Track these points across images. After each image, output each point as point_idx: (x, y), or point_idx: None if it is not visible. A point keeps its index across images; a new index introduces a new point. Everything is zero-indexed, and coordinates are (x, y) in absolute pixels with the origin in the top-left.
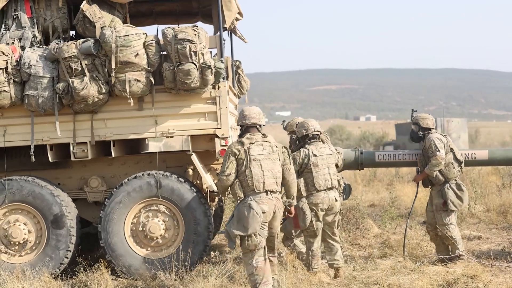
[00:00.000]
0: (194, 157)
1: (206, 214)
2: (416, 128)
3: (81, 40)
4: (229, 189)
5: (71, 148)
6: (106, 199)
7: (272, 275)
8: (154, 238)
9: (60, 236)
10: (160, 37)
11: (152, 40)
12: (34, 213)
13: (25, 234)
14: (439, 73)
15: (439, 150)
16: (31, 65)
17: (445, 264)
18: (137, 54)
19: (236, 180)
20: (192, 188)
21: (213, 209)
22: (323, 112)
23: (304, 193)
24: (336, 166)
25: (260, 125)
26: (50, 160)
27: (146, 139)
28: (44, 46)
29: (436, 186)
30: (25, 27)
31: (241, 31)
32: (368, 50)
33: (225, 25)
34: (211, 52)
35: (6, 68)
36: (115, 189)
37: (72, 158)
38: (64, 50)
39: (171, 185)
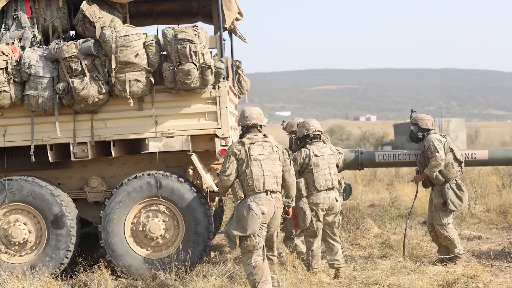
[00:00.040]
0: (194, 157)
1: (206, 214)
2: (415, 129)
3: (81, 40)
4: (229, 189)
5: (71, 148)
6: (106, 199)
7: (272, 274)
8: (154, 238)
9: (60, 236)
10: (160, 37)
11: (152, 40)
12: (34, 213)
13: (25, 234)
14: (439, 73)
15: (438, 151)
16: (31, 65)
17: (445, 264)
18: (137, 54)
19: (237, 180)
20: (192, 188)
21: (213, 209)
22: (323, 112)
23: (304, 193)
24: (336, 166)
25: (261, 126)
26: (50, 160)
27: (146, 139)
28: (44, 46)
29: (436, 186)
30: (25, 27)
31: (241, 31)
32: (368, 50)
33: (225, 25)
34: (211, 52)
35: (6, 68)
36: (115, 189)
37: (72, 158)
38: (64, 50)
39: (171, 185)
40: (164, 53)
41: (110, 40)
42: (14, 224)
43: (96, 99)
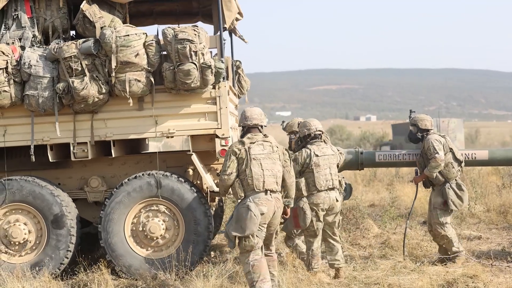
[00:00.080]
0: (194, 157)
1: (206, 214)
2: (414, 130)
3: (81, 40)
4: (230, 189)
5: (71, 148)
6: (106, 199)
7: (273, 271)
8: (154, 238)
9: (60, 236)
10: (160, 37)
11: (152, 40)
12: (34, 213)
13: (25, 234)
14: (439, 73)
15: (438, 152)
16: (31, 65)
17: (445, 264)
18: (137, 54)
19: (237, 179)
20: (192, 188)
21: (213, 209)
22: (323, 112)
23: (305, 193)
24: (337, 166)
25: (261, 126)
26: (50, 160)
27: (146, 139)
28: (44, 46)
29: (437, 186)
30: (25, 27)
31: (241, 31)
32: (368, 50)
33: (225, 25)
34: (211, 52)
35: (6, 68)
36: (115, 189)
37: (72, 158)
38: (64, 50)
39: (171, 185)
40: (164, 53)
41: (110, 40)
42: (14, 224)
43: (96, 99)
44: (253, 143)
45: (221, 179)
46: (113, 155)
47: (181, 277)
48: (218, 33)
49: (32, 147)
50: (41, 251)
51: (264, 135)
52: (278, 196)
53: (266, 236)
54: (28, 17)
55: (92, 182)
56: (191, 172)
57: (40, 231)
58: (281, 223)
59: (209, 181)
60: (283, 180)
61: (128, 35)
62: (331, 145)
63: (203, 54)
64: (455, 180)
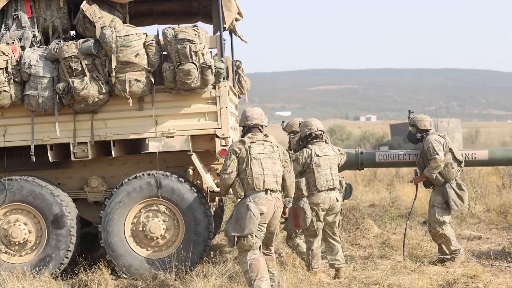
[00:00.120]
0: (194, 157)
1: (206, 214)
2: (413, 130)
3: (81, 40)
4: (230, 188)
5: (71, 148)
6: (106, 199)
7: (272, 270)
8: (154, 238)
9: (60, 236)
10: (160, 37)
11: (152, 40)
12: (34, 213)
13: (25, 234)
14: (439, 73)
15: (437, 153)
16: (31, 65)
17: (445, 264)
18: (137, 54)
19: (237, 178)
20: (192, 188)
21: (213, 209)
22: (323, 112)
23: (305, 193)
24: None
25: (262, 126)
26: (50, 160)
27: (146, 139)
28: (44, 46)
29: (437, 186)
30: (25, 27)
31: (241, 31)
32: (368, 50)
33: (225, 25)
34: (211, 52)
35: (6, 68)
36: (115, 189)
37: (72, 158)
38: (64, 50)
39: (171, 185)
40: (164, 53)
41: (110, 40)
42: (14, 224)
43: (96, 99)
44: (254, 142)
45: (222, 178)
46: (113, 155)
47: (181, 277)
48: (218, 33)
49: (32, 147)
50: (41, 251)
51: (265, 135)
52: (278, 195)
53: (266, 235)
54: (28, 17)
55: (92, 182)
56: (191, 172)
57: (40, 231)
58: (282, 223)
59: (209, 181)
60: (283, 180)
61: (128, 35)
62: (332, 145)
63: (203, 54)
64: (455, 180)
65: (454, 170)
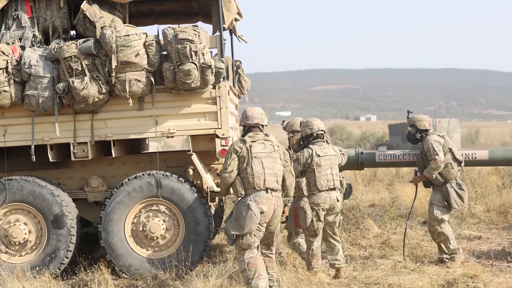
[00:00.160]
0: (194, 157)
1: (207, 214)
2: (413, 130)
3: (81, 40)
4: (231, 187)
5: (72, 148)
6: (107, 199)
7: (272, 272)
8: (155, 238)
9: (61, 236)
10: (160, 37)
11: (152, 40)
12: (35, 213)
13: (25, 234)
14: (439, 73)
15: (437, 154)
16: (31, 65)
17: (445, 264)
18: (138, 54)
19: (238, 177)
20: (193, 188)
21: (213, 209)
22: (323, 112)
23: (305, 193)
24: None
25: (262, 125)
26: (51, 160)
27: (147, 139)
28: (45, 46)
29: (437, 186)
30: (25, 27)
31: (241, 31)
32: (368, 50)
33: (224, 25)
34: (211, 52)
35: (7, 68)
36: (115, 189)
37: (73, 158)
38: (65, 50)
39: (171, 185)
40: (165, 53)
41: (111, 40)
42: (14, 224)
43: (96, 99)
44: (255, 141)
45: (222, 177)
46: (113, 155)
47: (181, 277)
48: (218, 33)
49: (32, 147)
50: (41, 251)
51: (265, 134)
52: (279, 194)
53: (267, 235)
54: (28, 17)
55: (92, 182)
56: (191, 172)
57: (40, 231)
58: (283, 222)
59: (209, 181)
60: (283, 179)
61: (128, 35)
62: (333, 146)
63: (203, 54)
64: (455, 180)
65: (454, 170)
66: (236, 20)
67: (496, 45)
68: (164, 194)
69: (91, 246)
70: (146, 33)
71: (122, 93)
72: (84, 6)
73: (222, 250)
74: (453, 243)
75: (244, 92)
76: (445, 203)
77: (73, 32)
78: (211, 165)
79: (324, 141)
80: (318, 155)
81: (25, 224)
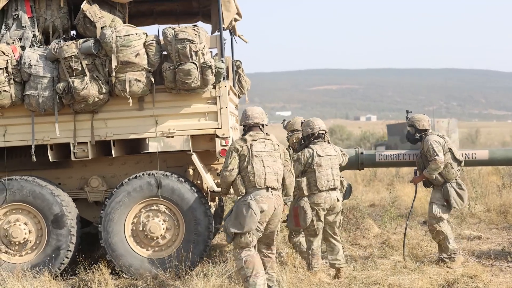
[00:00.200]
0: (194, 157)
1: (207, 214)
2: (412, 130)
3: (81, 40)
4: (231, 187)
5: (72, 148)
6: (107, 199)
7: (272, 272)
8: (155, 238)
9: (61, 236)
10: (160, 37)
11: (152, 40)
12: (35, 213)
13: (25, 234)
14: (439, 73)
15: (437, 154)
16: (31, 65)
17: (445, 263)
18: (138, 54)
19: (238, 176)
20: (193, 188)
21: (213, 209)
22: (323, 112)
23: (306, 193)
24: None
25: (262, 125)
26: (51, 160)
27: (147, 139)
28: (45, 46)
29: (437, 186)
30: (25, 26)
31: (241, 31)
32: (368, 50)
33: (223, 25)
34: (211, 52)
35: (7, 68)
36: (115, 189)
37: (73, 158)
38: (65, 50)
39: (171, 185)
40: (165, 53)
41: (111, 40)
42: (15, 224)
43: (96, 99)
44: (255, 140)
45: (223, 176)
46: (113, 155)
47: (181, 277)
48: (219, 33)
49: (33, 147)
50: (42, 251)
51: (266, 133)
52: (279, 193)
53: (268, 234)
54: (28, 17)
55: (92, 182)
56: (191, 172)
57: (40, 231)
58: (284, 221)
59: (209, 181)
60: (283, 179)
61: (129, 35)
62: (334, 146)
63: (203, 54)
64: (455, 179)
65: (454, 170)
66: (235, 20)
67: (496, 45)
68: (164, 194)
69: (91, 246)
70: (146, 33)
71: (122, 93)
72: (84, 6)
73: (222, 250)
74: (452, 242)
75: (244, 92)
76: (445, 202)
77: (73, 32)
78: (211, 165)
79: (325, 141)
80: (319, 155)
81: (25, 224)
